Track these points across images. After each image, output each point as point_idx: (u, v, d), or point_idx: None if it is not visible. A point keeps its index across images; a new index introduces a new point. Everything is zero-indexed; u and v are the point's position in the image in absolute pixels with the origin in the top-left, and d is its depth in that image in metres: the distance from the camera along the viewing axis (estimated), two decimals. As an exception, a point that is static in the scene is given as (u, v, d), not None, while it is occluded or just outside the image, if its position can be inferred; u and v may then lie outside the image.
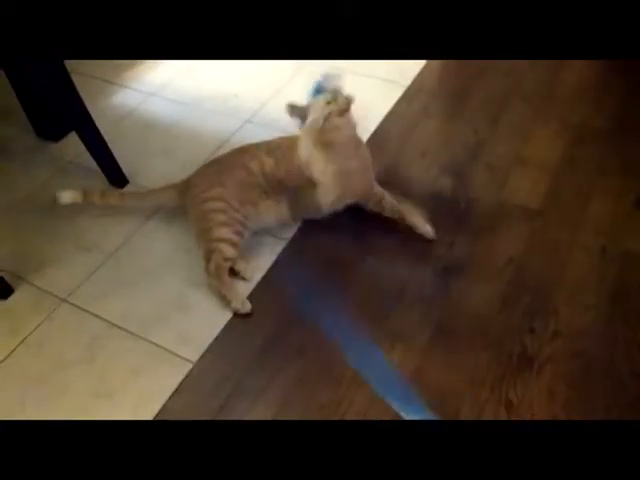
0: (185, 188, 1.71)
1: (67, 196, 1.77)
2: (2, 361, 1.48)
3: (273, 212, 1.68)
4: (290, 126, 1.99)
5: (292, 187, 1.65)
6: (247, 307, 1.53)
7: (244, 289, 1.59)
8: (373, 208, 1.68)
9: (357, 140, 1.66)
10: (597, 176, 1.80)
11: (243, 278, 1.60)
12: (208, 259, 1.57)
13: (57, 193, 1.77)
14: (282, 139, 1.74)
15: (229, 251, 1.57)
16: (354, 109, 1.62)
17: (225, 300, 1.54)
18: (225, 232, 1.59)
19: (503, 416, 1.30)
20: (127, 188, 1.90)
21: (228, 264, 1.58)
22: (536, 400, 1.32)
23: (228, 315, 1.53)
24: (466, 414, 1.31)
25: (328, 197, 1.64)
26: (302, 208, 1.69)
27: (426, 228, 1.65)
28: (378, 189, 1.68)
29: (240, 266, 1.60)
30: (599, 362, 1.38)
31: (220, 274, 1.56)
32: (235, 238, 1.59)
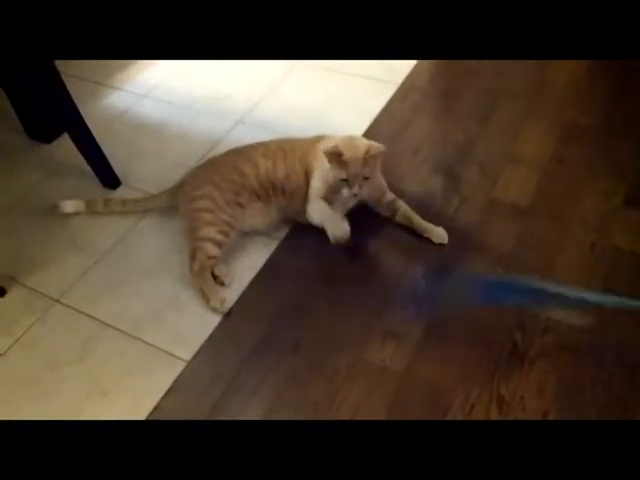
0: (178, 187, 1.73)
1: (70, 205, 1.78)
2: (-5, 362, 1.49)
3: (262, 215, 1.69)
4: (282, 126, 2.01)
5: (289, 190, 1.66)
6: (225, 307, 1.53)
7: (235, 288, 1.59)
8: (385, 212, 1.71)
9: None
10: (586, 174, 1.82)
11: (222, 283, 1.59)
12: (193, 257, 1.58)
13: (59, 202, 1.78)
14: (283, 141, 1.74)
15: (213, 250, 1.58)
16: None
17: (205, 298, 1.55)
18: (210, 231, 1.59)
19: (495, 411, 1.31)
20: (119, 189, 1.90)
21: (211, 262, 1.58)
22: (527, 395, 1.33)
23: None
24: (458, 410, 1.32)
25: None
26: (295, 212, 1.69)
27: (439, 232, 1.64)
28: (390, 195, 1.71)
29: (221, 271, 1.60)
30: (588, 356, 1.39)
31: (203, 272, 1.56)
32: (220, 238, 1.59)
